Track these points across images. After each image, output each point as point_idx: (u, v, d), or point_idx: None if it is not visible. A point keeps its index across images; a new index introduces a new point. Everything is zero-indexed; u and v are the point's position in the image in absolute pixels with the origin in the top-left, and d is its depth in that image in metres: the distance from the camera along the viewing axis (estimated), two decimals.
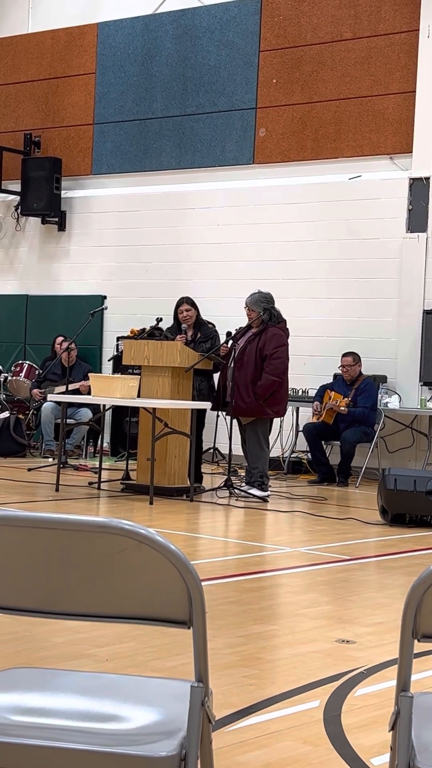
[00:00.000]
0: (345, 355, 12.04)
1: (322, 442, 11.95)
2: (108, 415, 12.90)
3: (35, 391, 13.40)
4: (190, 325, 10.58)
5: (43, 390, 13.29)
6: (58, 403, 11.86)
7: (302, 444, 12.43)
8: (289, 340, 10.22)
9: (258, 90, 13.59)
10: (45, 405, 12.91)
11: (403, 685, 2.13)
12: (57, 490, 9.86)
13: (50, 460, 12.29)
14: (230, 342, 10.29)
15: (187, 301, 10.64)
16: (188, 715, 2.07)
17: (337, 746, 3.48)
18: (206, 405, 10.23)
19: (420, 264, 12.29)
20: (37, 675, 2.45)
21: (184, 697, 2.11)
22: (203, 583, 2.09)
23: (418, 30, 12.42)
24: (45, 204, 14.88)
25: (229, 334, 10.35)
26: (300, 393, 12.46)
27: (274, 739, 3.51)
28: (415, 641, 2.12)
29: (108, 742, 2.03)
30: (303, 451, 12.56)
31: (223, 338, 10.61)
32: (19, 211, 15.38)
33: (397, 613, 2.22)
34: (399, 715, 2.11)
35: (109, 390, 9.70)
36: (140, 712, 2.19)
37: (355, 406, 11.73)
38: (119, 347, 13.12)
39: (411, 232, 12.42)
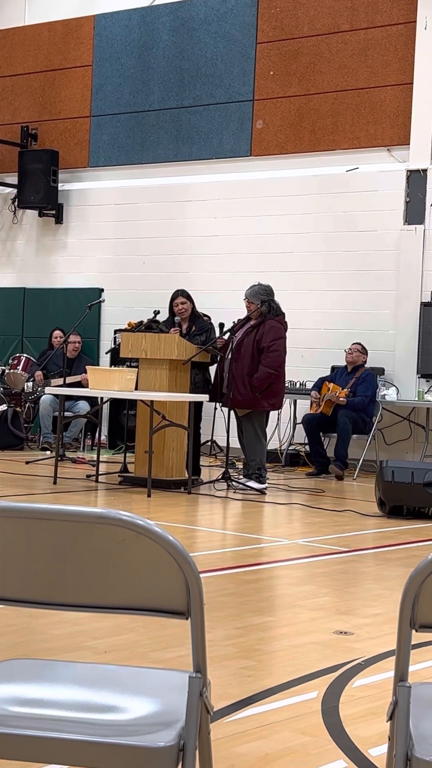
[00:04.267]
0: (355, 343, 12.11)
1: (321, 434, 11.95)
2: (106, 407, 12.90)
3: (38, 372, 13.33)
4: (184, 318, 10.57)
5: (46, 373, 13.28)
6: (56, 395, 11.86)
7: (300, 436, 12.44)
8: (287, 333, 10.21)
9: (255, 82, 13.58)
10: (43, 398, 12.91)
11: (401, 676, 2.14)
12: (55, 483, 9.87)
13: (48, 452, 12.29)
14: (227, 334, 10.29)
15: (182, 294, 10.62)
16: (187, 706, 2.07)
17: (335, 737, 3.49)
18: (204, 397, 10.23)
19: (417, 256, 12.29)
20: (35, 666, 2.45)
21: (183, 688, 2.12)
22: (201, 575, 2.09)
23: (416, 22, 12.41)
24: (42, 197, 14.86)
25: (222, 326, 10.36)
26: (298, 386, 12.46)
27: (272, 730, 3.51)
28: (413, 632, 2.12)
29: (106, 733, 2.03)
30: (301, 444, 12.56)
31: (216, 331, 10.58)
32: (16, 203, 15.36)
33: (395, 604, 2.23)
34: (397, 705, 2.12)
35: (106, 383, 9.70)
36: (139, 702, 2.19)
37: (354, 395, 11.74)
38: (117, 340, 13.12)
39: (408, 224, 12.42)
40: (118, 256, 14.59)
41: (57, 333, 13.86)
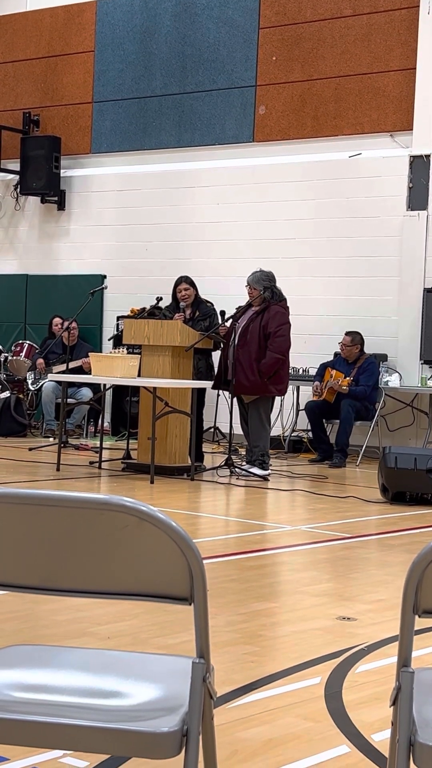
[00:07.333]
0: (346, 333, 12.03)
1: (323, 421, 11.94)
2: (108, 394, 12.90)
3: (40, 360, 13.32)
4: (188, 304, 10.56)
5: (47, 361, 13.26)
6: (59, 382, 11.86)
7: (303, 423, 12.43)
8: (290, 319, 10.21)
9: (258, 67, 13.53)
10: (46, 384, 12.90)
11: (404, 661, 2.14)
12: (58, 469, 9.88)
13: (51, 439, 12.30)
14: (229, 321, 10.28)
15: (185, 281, 10.62)
16: (190, 692, 2.07)
17: (338, 722, 3.49)
18: (207, 384, 10.23)
19: (420, 242, 12.26)
20: (38, 652, 2.46)
21: (186, 674, 2.12)
22: (204, 562, 2.09)
23: (418, 6, 12.36)
24: (44, 183, 14.83)
25: (222, 314, 10.36)
26: (300, 372, 12.45)
27: (275, 716, 3.52)
28: (416, 617, 2.13)
29: (110, 718, 2.04)
30: (304, 430, 12.56)
31: (218, 318, 10.58)
32: (18, 190, 15.33)
33: (398, 590, 2.23)
34: (400, 690, 2.12)
35: (109, 369, 9.70)
36: (142, 688, 2.20)
37: (356, 384, 11.73)
38: (119, 327, 13.12)
39: (411, 210, 12.39)
40: (120, 242, 14.57)
41: (56, 320, 13.84)
